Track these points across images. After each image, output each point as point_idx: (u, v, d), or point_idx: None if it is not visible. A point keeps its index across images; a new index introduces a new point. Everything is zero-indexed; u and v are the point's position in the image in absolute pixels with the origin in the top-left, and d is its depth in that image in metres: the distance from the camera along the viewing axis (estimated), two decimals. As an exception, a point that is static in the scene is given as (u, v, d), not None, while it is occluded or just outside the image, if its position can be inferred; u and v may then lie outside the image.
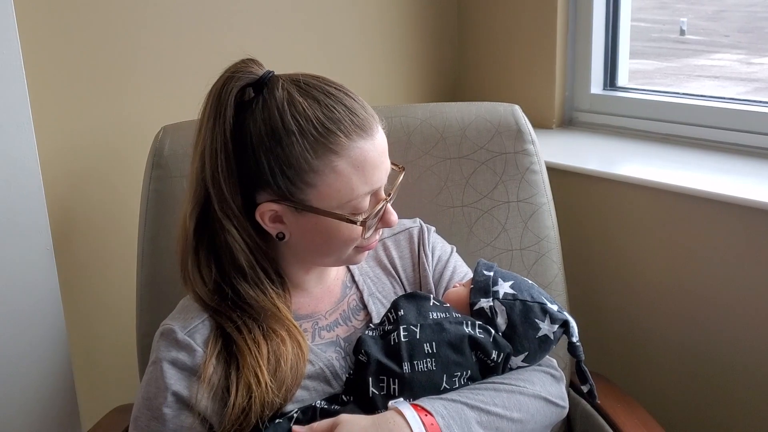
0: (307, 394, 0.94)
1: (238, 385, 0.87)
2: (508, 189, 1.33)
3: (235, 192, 0.91)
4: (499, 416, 0.93)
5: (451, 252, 1.15)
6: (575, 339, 1.00)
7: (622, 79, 1.79)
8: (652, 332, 1.53)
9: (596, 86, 1.78)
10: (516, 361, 1.00)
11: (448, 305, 1.03)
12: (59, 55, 1.39)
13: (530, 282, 1.04)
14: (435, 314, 1.00)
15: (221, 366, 0.89)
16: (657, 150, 1.60)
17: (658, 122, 1.66)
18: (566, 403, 1.03)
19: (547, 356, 1.04)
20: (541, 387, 0.99)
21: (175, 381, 0.89)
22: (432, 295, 1.04)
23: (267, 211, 0.92)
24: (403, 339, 0.95)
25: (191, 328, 0.92)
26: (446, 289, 1.10)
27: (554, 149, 1.65)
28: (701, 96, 1.66)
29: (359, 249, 0.96)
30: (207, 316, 0.93)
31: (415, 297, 1.03)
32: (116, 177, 1.48)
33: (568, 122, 1.84)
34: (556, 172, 1.48)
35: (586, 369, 1.02)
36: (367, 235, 0.93)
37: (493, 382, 0.97)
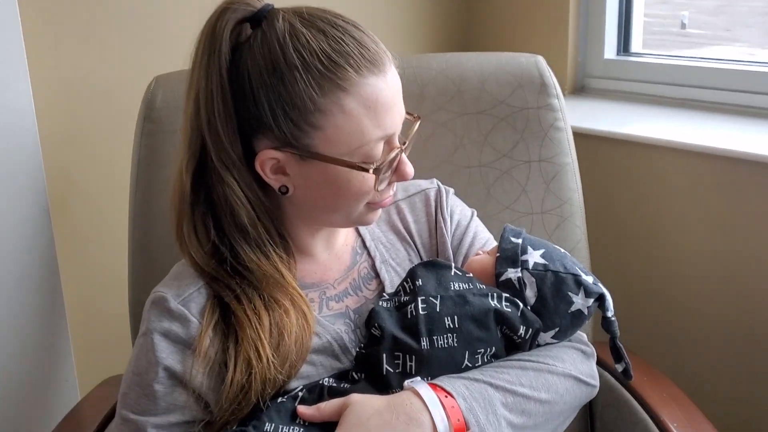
0: (313, 370, 0.87)
1: (236, 359, 0.80)
2: (530, 147, 1.24)
3: (234, 139, 0.82)
4: (525, 397, 0.85)
5: (472, 216, 1.06)
6: (610, 314, 0.92)
7: (636, 45, 1.72)
8: (682, 302, 1.46)
9: (610, 51, 1.71)
10: (545, 337, 0.92)
11: (471, 275, 0.94)
12: (54, 4, 1.31)
13: (562, 251, 0.95)
14: (457, 285, 0.91)
15: (218, 339, 0.82)
16: (676, 114, 1.52)
17: (675, 87, 1.58)
18: (597, 382, 0.95)
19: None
20: (571, 365, 0.91)
21: (168, 355, 0.82)
22: (453, 264, 0.95)
23: (268, 160, 0.83)
24: (421, 312, 0.87)
25: (186, 297, 0.84)
26: (466, 257, 1.01)
27: (570, 115, 1.55)
28: (719, 59, 1.55)
29: (371, 206, 0.88)
30: (203, 283, 0.85)
31: (434, 265, 0.94)
32: (112, 132, 1.41)
33: (581, 89, 1.76)
34: (576, 136, 1.39)
35: (621, 346, 0.93)
36: (381, 187, 0.85)
37: (519, 360, 0.89)
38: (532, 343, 0.91)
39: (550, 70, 1.26)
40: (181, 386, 0.82)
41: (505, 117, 1.24)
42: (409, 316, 0.87)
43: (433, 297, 0.88)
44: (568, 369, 0.91)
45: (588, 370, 0.94)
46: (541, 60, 1.27)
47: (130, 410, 0.83)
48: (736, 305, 1.38)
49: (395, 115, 0.83)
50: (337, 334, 0.90)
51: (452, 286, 0.90)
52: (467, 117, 1.24)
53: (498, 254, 0.93)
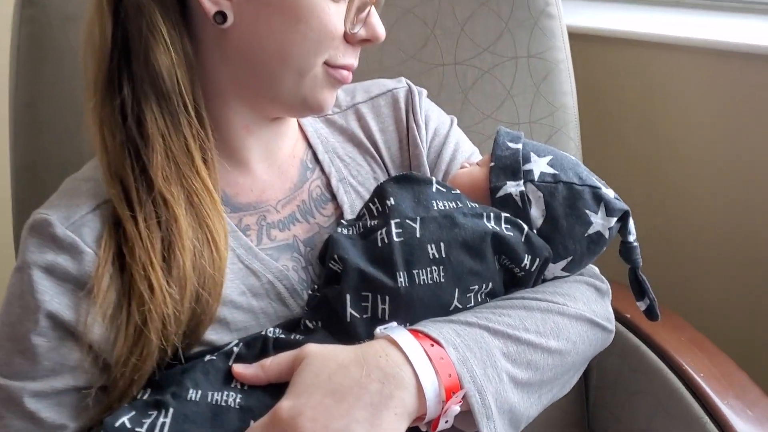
0: (251, 319, 0.70)
1: (130, 297, 0.64)
2: (516, 40, 1.05)
3: None
4: (531, 345, 0.67)
5: (451, 124, 0.87)
6: (632, 238, 0.73)
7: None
8: (687, 220, 1.30)
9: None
10: (554, 269, 0.72)
11: (458, 192, 0.72)
12: None
13: (573, 158, 0.74)
14: (441, 203, 0.70)
15: (118, 275, 0.65)
16: (673, 13, 1.36)
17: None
18: (613, 326, 0.78)
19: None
20: (584, 304, 0.73)
21: (52, 297, 0.64)
22: (434, 179, 0.73)
23: None
24: (395, 238, 0.67)
25: (77, 220, 0.66)
26: (447, 173, 0.82)
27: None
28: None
29: (329, 74, 0.70)
30: (101, 202, 0.68)
31: (409, 180, 0.73)
32: None
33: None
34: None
35: (644, 278, 0.74)
36: (350, 28, 0.68)
37: (523, 298, 0.70)
38: (537, 278, 0.72)
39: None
40: (71, 340, 0.64)
41: (486, 1, 1.05)
42: (379, 244, 0.67)
43: (410, 219, 0.68)
44: (582, 310, 0.73)
45: (604, 311, 0.76)
46: (530, -70, 1.05)
47: (0, 373, 0.64)
48: (746, 218, 1.24)
49: None
50: (281, 272, 0.72)
51: (435, 204, 0.70)
52: (440, 0, 1.05)
53: (492, 163, 0.71)
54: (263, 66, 0.69)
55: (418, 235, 0.66)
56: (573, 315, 0.71)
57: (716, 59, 1.19)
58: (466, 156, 0.83)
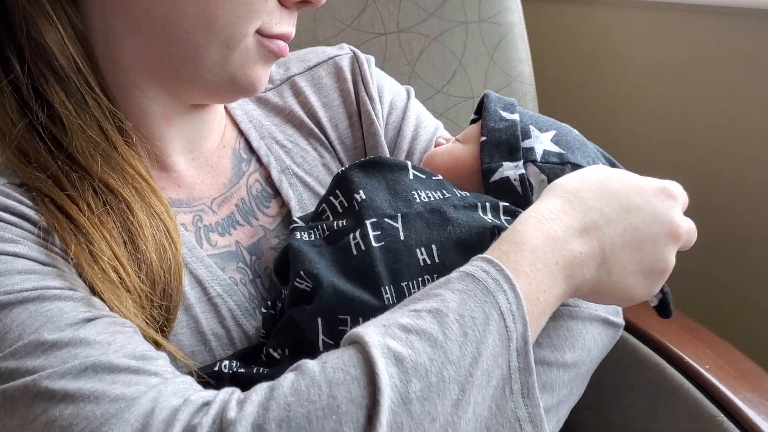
0: (198, 342, 0.58)
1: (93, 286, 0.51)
2: (466, 2, 0.98)
3: None
4: (546, 364, 0.56)
5: (408, 95, 0.74)
6: None
7: None
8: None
9: None
10: (561, 263, 0.59)
11: (440, 177, 0.59)
12: None
13: (577, 132, 0.62)
14: (423, 194, 0.57)
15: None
16: None
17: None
18: (622, 318, 0.67)
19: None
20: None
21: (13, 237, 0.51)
22: (409, 163, 0.59)
23: None
24: (374, 243, 0.54)
25: (3, 189, 0.54)
26: (410, 154, 0.69)
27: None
28: None
29: (263, 43, 0.58)
30: (18, 182, 0.55)
31: (378, 166, 0.60)
32: None
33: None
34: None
35: None
36: None
37: None
38: None
39: None
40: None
41: (431, -42, 0.92)
42: (354, 251, 0.54)
43: (389, 217, 0.55)
44: (593, 308, 0.61)
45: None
46: None
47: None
48: (707, 174, 1.18)
49: None
50: (230, 286, 0.60)
51: (416, 196, 0.57)
52: (377, -41, 0.93)
53: (484, 137, 0.58)
54: (180, 35, 0.55)
55: (402, 238, 0.53)
56: (586, 317, 0.60)
57: (669, 14, 1.13)
58: (429, 131, 0.71)
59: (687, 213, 0.56)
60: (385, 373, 0.41)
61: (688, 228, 0.54)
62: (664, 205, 0.52)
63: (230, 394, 0.43)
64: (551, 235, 0.49)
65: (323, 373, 0.42)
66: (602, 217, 0.51)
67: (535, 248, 0.48)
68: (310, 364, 0.43)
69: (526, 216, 0.50)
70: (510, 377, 0.45)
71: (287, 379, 0.42)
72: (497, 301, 0.45)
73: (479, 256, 0.48)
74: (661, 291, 0.63)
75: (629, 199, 0.51)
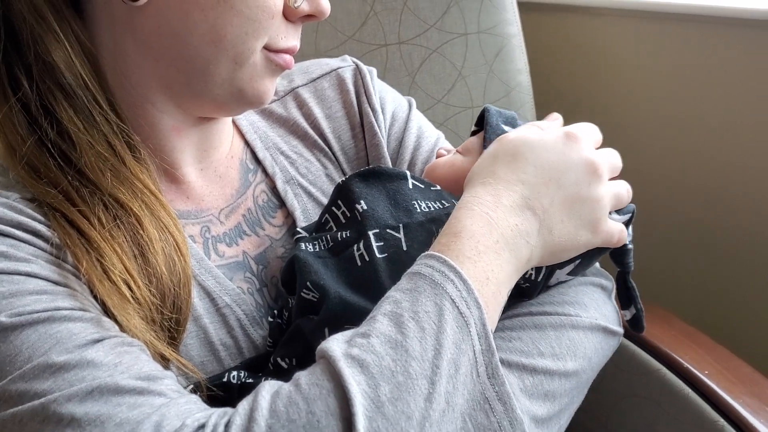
0: (208, 353, 0.60)
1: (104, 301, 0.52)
2: (465, 14, 0.98)
3: None
4: (548, 373, 0.57)
5: (410, 106, 0.76)
6: (629, 239, 0.63)
7: None
8: (650, 202, 1.22)
9: None
10: (560, 275, 0.61)
11: (438, 187, 0.60)
12: None
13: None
14: (424, 204, 0.59)
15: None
16: None
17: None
18: (622, 327, 0.68)
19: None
20: (596, 310, 0.63)
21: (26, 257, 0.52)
22: (408, 173, 0.60)
23: None
24: (378, 254, 0.55)
25: (13, 202, 0.55)
26: (412, 165, 0.71)
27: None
28: None
29: (270, 58, 0.60)
30: (29, 197, 0.56)
31: (378, 176, 0.61)
32: None
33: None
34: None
35: (634, 285, 0.65)
36: (293, 2, 0.58)
37: (531, 314, 0.60)
38: (543, 288, 0.60)
39: None
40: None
41: (430, -29, 0.94)
42: (359, 263, 0.56)
43: (391, 228, 0.57)
44: (594, 317, 0.63)
45: (613, 312, 0.67)
46: None
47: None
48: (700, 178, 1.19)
49: None
50: (239, 295, 0.62)
51: (417, 206, 0.59)
52: (379, -27, 0.96)
53: (485, 149, 0.59)
54: (190, 51, 0.56)
55: (405, 248, 0.55)
56: (587, 326, 0.61)
57: (665, 23, 1.15)
58: (431, 142, 0.72)
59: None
60: (353, 382, 0.43)
61: (602, 159, 0.56)
62: (572, 148, 0.55)
63: (221, 417, 0.44)
64: (484, 218, 0.51)
65: (299, 391, 0.43)
66: (523, 185, 0.53)
67: (472, 233, 0.50)
68: (284, 386, 0.45)
69: (457, 210, 0.52)
70: (476, 360, 0.47)
71: (264, 400, 0.44)
72: (447, 291, 0.47)
73: (422, 254, 0.50)
74: (636, 307, 0.65)
75: (540, 159, 0.54)
